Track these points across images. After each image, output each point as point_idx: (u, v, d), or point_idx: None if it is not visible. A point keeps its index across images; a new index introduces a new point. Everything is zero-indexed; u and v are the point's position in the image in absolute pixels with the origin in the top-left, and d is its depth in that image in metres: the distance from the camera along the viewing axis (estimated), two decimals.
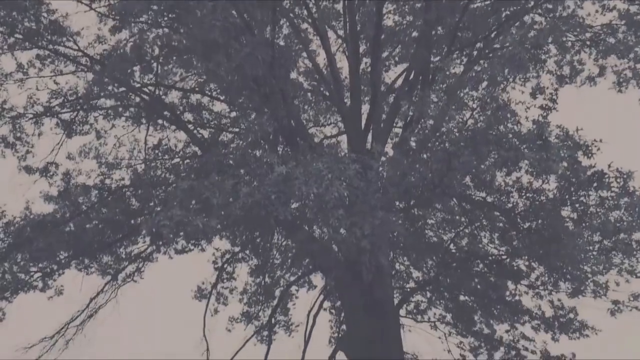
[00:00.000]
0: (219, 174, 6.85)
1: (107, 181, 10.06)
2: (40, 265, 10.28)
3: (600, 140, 7.04)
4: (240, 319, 12.03)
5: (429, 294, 11.25)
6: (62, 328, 10.00)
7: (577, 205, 7.76)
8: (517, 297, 10.43)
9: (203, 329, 11.68)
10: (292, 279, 12.31)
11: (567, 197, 7.69)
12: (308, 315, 12.01)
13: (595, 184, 7.31)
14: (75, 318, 10.11)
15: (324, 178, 5.61)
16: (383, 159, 10.04)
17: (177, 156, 11.25)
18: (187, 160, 10.84)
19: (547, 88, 8.84)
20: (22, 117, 9.66)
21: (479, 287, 10.58)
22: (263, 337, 11.97)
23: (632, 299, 8.27)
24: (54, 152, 10.17)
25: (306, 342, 11.95)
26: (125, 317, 12.10)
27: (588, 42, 8.70)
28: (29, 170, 9.80)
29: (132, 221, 10.73)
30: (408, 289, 11.32)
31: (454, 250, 10.78)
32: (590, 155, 6.76)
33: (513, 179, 8.51)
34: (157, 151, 11.13)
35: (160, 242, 10.57)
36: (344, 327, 11.89)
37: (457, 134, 7.91)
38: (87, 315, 10.12)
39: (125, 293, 11.05)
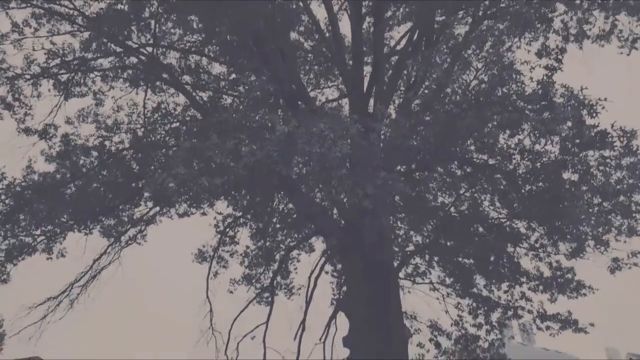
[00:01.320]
0: (220, 137, 6.80)
1: (107, 143, 10.00)
2: (43, 228, 10.39)
3: (605, 99, 6.96)
4: (241, 281, 12.22)
5: (428, 257, 11.39)
6: (67, 288, 10.17)
7: (578, 166, 7.75)
8: (516, 260, 10.56)
9: (206, 291, 11.89)
10: (293, 243, 12.44)
11: (569, 158, 7.66)
12: (309, 278, 12.22)
13: (598, 144, 7.28)
14: (79, 279, 10.27)
15: (327, 138, 5.57)
16: (386, 121, 9.94)
17: (176, 120, 11.15)
18: (187, 125, 10.74)
19: (554, 49, 8.65)
20: (20, 78, 9.51)
21: (478, 249, 10.69)
22: (265, 299, 12.20)
23: (631, 255, 8.39)
24: (52, 114, 10.07)
25: (307, 304, 12.19)
26: (129, 278, 12.27)
27: (598, 0, 8.47)
28: (27, 131, 9.73)
29: (134, 184, 10.75)
30: (408, 252, 11.45)
31: (454, 213, 10.85)
32: (594, 114, 6.69)
33: (515, 142, 8.47)
34: (156, 115, 11.02)
35: (163, 204, 10.62)
36: (344, 289, 12.10)
37: (460, 96, 7.82)
38: (90, 276, 10.28)
39: (129, 255, 11.20)
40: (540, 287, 10.48)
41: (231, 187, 10.68)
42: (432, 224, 11.34)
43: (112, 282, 10.62)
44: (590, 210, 8.80)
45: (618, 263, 8.41)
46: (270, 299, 12.11)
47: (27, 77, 9.63)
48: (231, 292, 11.93)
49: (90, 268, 10.31)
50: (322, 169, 5.63)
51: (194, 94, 10.59)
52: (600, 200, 9.20)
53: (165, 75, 10.24)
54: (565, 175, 8.48)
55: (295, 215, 11.92)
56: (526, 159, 8.41)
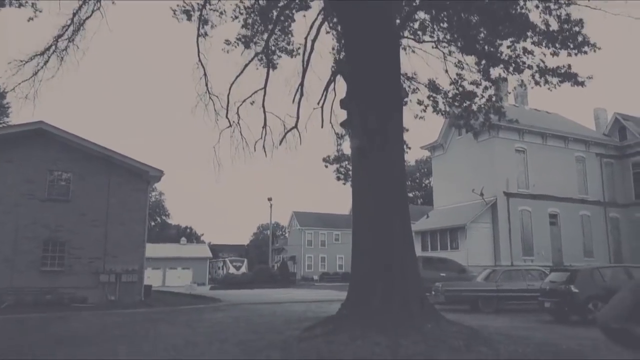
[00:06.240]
0: None
1: None
2: None
3: None
4: (236, 42, 11.55)
5: (434, 12, 10.74)
6: (52, 43, 9.34)
7: None
8: (525, 12, 10.07)
9: (197, 54, 11.21)
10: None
11: None
12: (305, 40, 11.61)
13: None
14: (63, 33, 9.36)
15: None
16: None
17: None
18: None
19: None
20: None
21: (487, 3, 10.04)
22: (262, 63, 11.79)
23: None
24: None
25: (305, 68, 11.82)
26: (115, 33, 11.43)
27: None
28: None
29: None
30: (414, 5, 10.71)
31: None
32: None
33: None
34: None
35: None
36: (343, 53, 11.65)
37: None
38: (74, 28, 9.34)
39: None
40: (545, 42, 10.30)
41: None
42: None
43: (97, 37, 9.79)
44: None
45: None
46: (267, 62, 11.71)
47: None
48: (227, 52, 11.35)
49: (72, 21, 9.29)
50: None
51: None
52: None
53: None
54: None
55: None
56: None
